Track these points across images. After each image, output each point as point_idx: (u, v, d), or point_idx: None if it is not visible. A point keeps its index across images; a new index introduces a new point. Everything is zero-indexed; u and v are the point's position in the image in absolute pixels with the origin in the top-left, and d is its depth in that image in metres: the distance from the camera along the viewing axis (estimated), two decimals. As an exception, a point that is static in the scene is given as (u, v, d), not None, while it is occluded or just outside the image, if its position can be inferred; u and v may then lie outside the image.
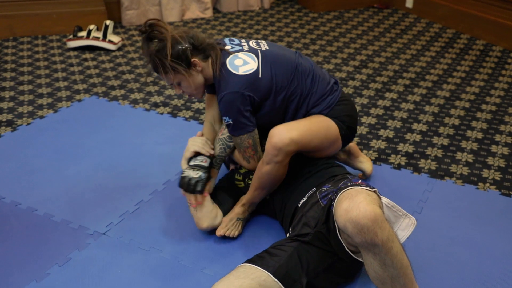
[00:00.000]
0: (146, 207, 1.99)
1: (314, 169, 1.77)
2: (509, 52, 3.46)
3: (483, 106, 2.77)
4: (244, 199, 1.82)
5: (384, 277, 1.28)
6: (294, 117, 1.77)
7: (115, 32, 3.83)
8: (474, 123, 2.60)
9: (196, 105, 2.81)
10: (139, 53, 3.51)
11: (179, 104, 2.82)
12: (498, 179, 2.16)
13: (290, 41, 3.76)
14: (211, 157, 1.82)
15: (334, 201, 1.36)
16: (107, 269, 1.69)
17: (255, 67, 1.66)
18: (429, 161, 2.29)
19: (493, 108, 2.75)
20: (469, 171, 2.21)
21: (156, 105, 2.82)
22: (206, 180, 1.75)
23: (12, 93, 2.92)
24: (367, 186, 1.41)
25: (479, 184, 2.13)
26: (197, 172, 1.74)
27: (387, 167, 2.24)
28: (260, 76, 1.66)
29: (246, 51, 1.71)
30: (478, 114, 2.69)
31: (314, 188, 1.68)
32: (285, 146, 1.60)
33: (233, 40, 1.77)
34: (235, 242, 1.81)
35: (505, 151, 2.36)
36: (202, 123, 2.63)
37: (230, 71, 1.64)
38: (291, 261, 1.46)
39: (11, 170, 2.20)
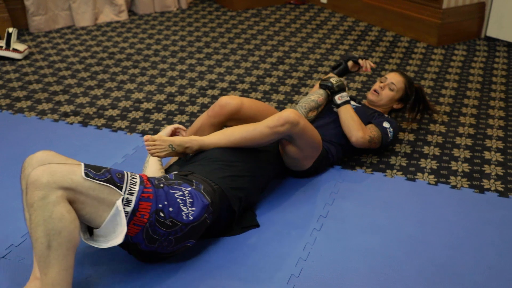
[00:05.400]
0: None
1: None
2: (415, 41, 3.63)
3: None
4: (199, 139, 1.86)
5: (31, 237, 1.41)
6: None
7: (21, 40, 3.63)
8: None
9: (109, 112, 2.72)
10: (48, 61, 3.35)
11: (91, 112, 2.71)
12: (405, 165, 2.25)
13: (208, 41, 3.73)
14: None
15: None
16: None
17: None
18: (341, 152, 2.35)
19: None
20: (378, 159, 2.29)
21: (66, 114, 2.69)
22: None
23: None
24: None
25: (387, 171, 2.21)
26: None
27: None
28: None
29: None
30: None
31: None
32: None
33: None
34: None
35: (411, 137, 2.47)
36: (115, 131, 2.55)
37: None
38: None
39: None
